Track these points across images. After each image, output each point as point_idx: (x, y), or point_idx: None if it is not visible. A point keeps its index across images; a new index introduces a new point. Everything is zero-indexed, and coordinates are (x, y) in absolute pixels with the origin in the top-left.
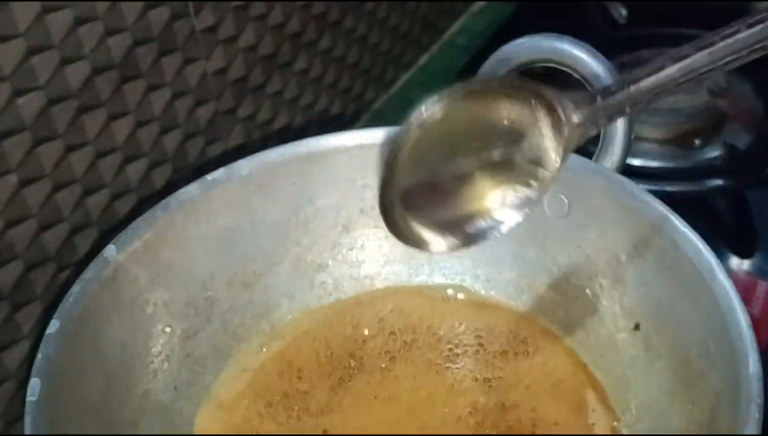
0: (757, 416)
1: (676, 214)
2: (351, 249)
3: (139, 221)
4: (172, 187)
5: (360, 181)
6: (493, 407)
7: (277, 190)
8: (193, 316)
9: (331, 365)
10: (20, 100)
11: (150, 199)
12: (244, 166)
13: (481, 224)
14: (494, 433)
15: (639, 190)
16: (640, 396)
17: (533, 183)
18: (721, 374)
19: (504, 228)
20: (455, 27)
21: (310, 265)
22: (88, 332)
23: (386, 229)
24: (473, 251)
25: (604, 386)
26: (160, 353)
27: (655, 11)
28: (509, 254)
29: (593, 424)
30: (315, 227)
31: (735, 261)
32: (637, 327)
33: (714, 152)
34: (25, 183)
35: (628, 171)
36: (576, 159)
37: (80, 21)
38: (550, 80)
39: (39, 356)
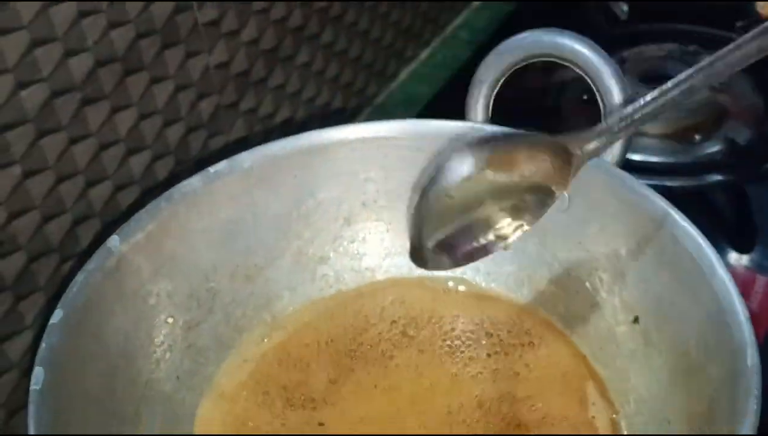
0: (755, 408)
1: (677, 209)
2: (352, 242)
3: (142, 213)
4: (174, 179)
5: (362, 174)
6: (492, 398)
7: (279, 183)
8: (195, 307)
9: (332, 355)
10: (23, 93)
11: (152, 191)
12: (246, 158)
13: (491, 241)
14: (494, 424)
15: (639, 185)
16: (639, 389)
17: (541, 207)
18: (720, 367)
19: (510, 241)
20: (457, 22)
21: (312, 257)
22: (92, 322)
23: (384, 226)
24: None
25: (604, 379)
26: (162, 343)
27: (655, 7)
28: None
29: (593, 417)
30: (316, 220)
31: (734, 256)
32: (636, 320)
33: (714, 147)
34: (28, 174)
35: (628, 166)
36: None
37: (83, 13)
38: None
39: (42, 345)
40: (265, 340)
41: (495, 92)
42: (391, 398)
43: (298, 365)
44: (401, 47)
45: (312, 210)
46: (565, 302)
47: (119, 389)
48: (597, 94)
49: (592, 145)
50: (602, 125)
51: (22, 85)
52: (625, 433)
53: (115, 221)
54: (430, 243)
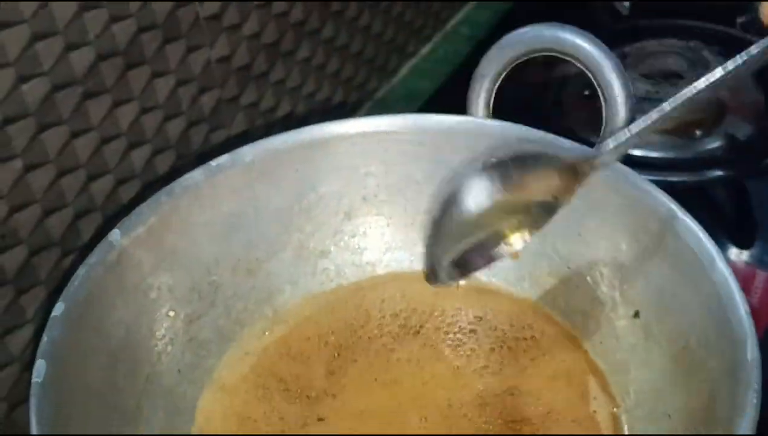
0: (755, 402)
1: (678, 204)
2: (353, 236)
3: (143, 206)
4: (175, 173)
5: (362, 168)
6: (493, 392)
7: (281, 176)
8: (196, 301)
9: (333, 349)
10: (25, 86)
11: (153, 185)
12: (248, 152)
13: (500, 252)
14: (495, 418)
15: (640, 180)
16: (640, 383)
17: (546, 217)
18: (720, 361)
19: (518, 250)
20: (458, 17)
21: (313, 251)
22: (93, 316)
23: (385, 221)
24: None
25: (604, 373)
26: (164, 336)
27: (657, 3)
28: None
29: (594, 411)
30: (318, 214)
31: (734, 251)
32: (636, 315)
33: (714, 143)
34: (29, 168)
35: (628, 161)
36: (577, 148)
37: (85, 7)
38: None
39: (44, 338)
40: (267, 333)
41: (496, 87)
42: (392, 391)
43: (299, 359)
44: (402, 42)
45: (313, 204)
46: (566, 296)
47: (121, 382)
48: (598, 89)
49: (600, 161)
50: (612, 142)
51: (23, 79)
52: (626, 426)
53: (116, 214)
54: (445, 262)
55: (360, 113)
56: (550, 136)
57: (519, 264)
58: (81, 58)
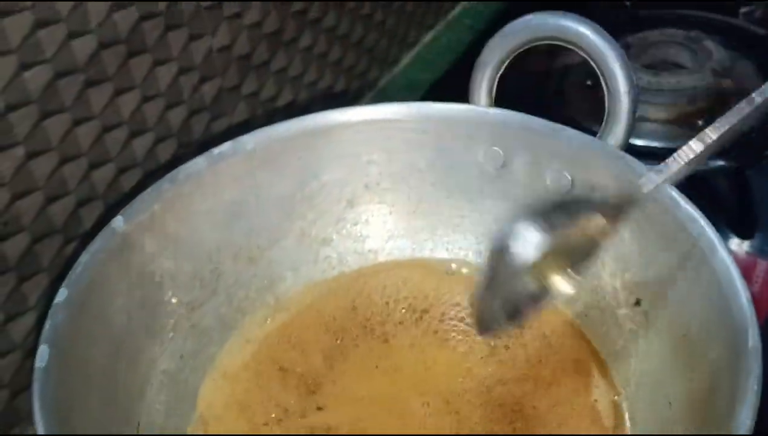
0: (756, 388)
1: (678, 191)
2: (355, 224)
3: (146, 193)
4: (177, 162)
5: (365, 156)
6: (494, 379)
7: (283, 164)
8: (198, 288)
9: (334, 336)
10: (27, 74)
11: (155, 173)
12: (250, 140)
13: (546, 294)
14: (496, 406)
15: (642, 168)
16: (640, 370)
17: (588, 256)
18: (721, 349)
19: (566, 291)
20: (460, 6)
21: (315, 239)
22: (96, 302)
23: (387, 209)
24: (476, 226)
25: (605, 361)
26: (166, 323)
27: None
28: None
29: (596, 400)
30: (320, 202)
31: (735, 241)
32: (638, 303)
33: None
34: (31, 156)
35: (631, 151)
36: (580, 136)
37: None
38: None
39: (47, 324)
40: (268, 321)
41: (499, 75)
42: (393, 378)
43: (301, 346)
44: (404, 31)
45: (315, 192)
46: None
47: (123, 368)
48: (601, 78)
49: (645, 196)
50: (656, 176)
51: (25, 67)
52: (627, 414)
53: (117, 202)
54: (495, 313)
55: (362, 102)
56: (553, 125)
57: None
58: (83, 46)
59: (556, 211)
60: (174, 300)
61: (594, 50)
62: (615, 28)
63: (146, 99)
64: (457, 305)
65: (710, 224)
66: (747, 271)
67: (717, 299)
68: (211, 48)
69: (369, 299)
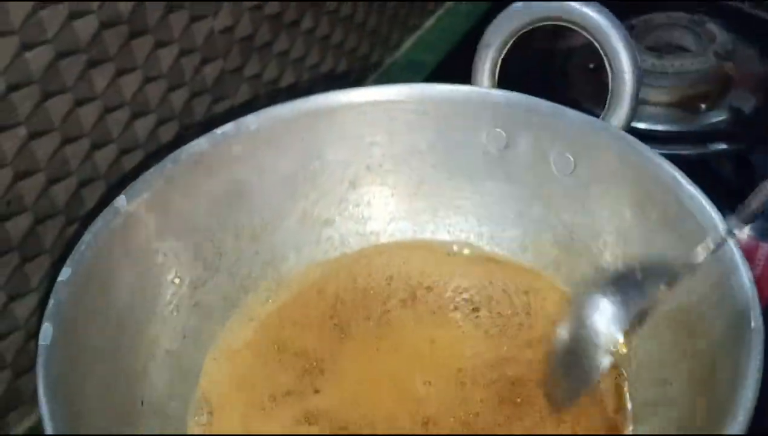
0: (758, 370)
1: (681, 171)
2: (357, 205)
3: (149, 173)
4: (179, 143)
5: (368, 137)
6: (497, 358)
7: (286, 145)
8: (201, 266)
9: (336, 316)
10: (29, 54)
11: (157, 154)
12: (253, 120)
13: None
14: (498, 385)
15: (645, 148)
16: (642, 351)
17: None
18: (723, 329)
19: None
20: None
21: (317, 219)
22: (99, 280)
23: (389, 191)
24: (478, 208)
25: None
26: (170, 301)
27: None
28: (514, 212)
29: (598, 381)
30: (323, 183)
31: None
32: None
33: (719, 116)
34: (33, 136)
35: (634, 134)
36: (583, 117)
37: None
38: None
39: (51, 302)
40: (270, 300)
41: (502, 57)
42: (394, 358)
43: (302, 325)
44: (405, 15)
45: (318, 172)
46: (570, 265)
47: (126, 345)
48: (605, 59)
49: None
50: (710, 244)
51: (27, 47)
52: (628, 394)
53: (119, 183)
54: (569, 387)
55: (365, 85)
56: (556, 106)
57: (523, 233)
58: (85, 26)
59: (630, 287)
60: (177, 279)
61: (598, 30)
62: (619, 11)
63: (148, 80)
64: (459, 286)
65: (713, 205)
66: (749, 253)
67: (719, 280)
68: (213, 29)
69: (370, 279)
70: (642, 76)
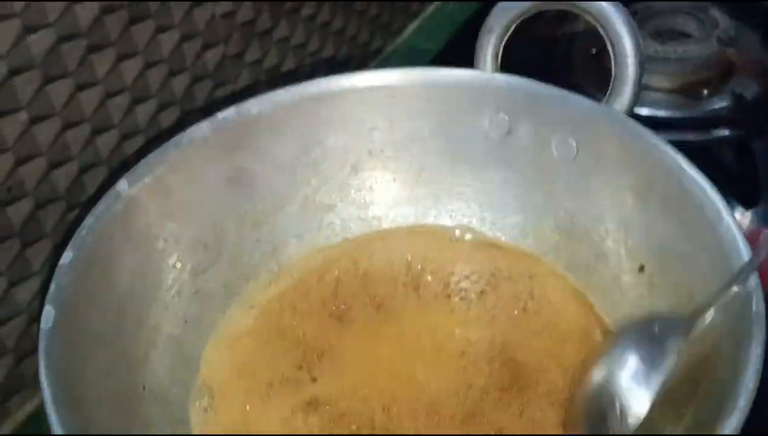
0: (759, 354)
1: (683, 156)
2: (359, 190)
3: (150, 157)
4: (180, 128)
5: (369, 123)
6: (498, 343)
7: (287, 130)
8: (202, 252)
9: (337, 302)
10: (30, 38)
11: (158, 140)
12: (254, 105)
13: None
14: (498, 371)
15: (648, 133)
16: None
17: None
18: (724, 314)
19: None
20: None
21: (319, 205)
22: (101, 264)
23: (391, 176)
24: (480, 195)
25: (609, 327)
26: (171, 287)
27: None
28: (516, 198)
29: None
30: (324, 168)
31: (739, 210)
32: (641, 269)
33: (721, 103)
34: (35, 121)
35: (636, 120)
36: (585, 102)
37: None
38: None
39: (52, 286)
40: (271, 286)
41: (504, 42)
42: (396, 343)
43: (303, 312)
44: (407, 1)
45: (319, 158)
46: (571, 251)
47: (128, 330)
48: (607, 43)
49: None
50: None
51: (28, 30)
52: None
53: (120, 169)
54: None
55: None
56: (558, 91)
57: (524, 220)
58: (86, 11)
59: (654, 350)
60: (178, 264)
61: (600, 14)
62: None
63: (149, 65)
64: (461, 272)
65: (715, 190)
66: (750, 240)
67: (721, 265)
68: (214, 15)
69: (372, 265)
70: (644, 61)
